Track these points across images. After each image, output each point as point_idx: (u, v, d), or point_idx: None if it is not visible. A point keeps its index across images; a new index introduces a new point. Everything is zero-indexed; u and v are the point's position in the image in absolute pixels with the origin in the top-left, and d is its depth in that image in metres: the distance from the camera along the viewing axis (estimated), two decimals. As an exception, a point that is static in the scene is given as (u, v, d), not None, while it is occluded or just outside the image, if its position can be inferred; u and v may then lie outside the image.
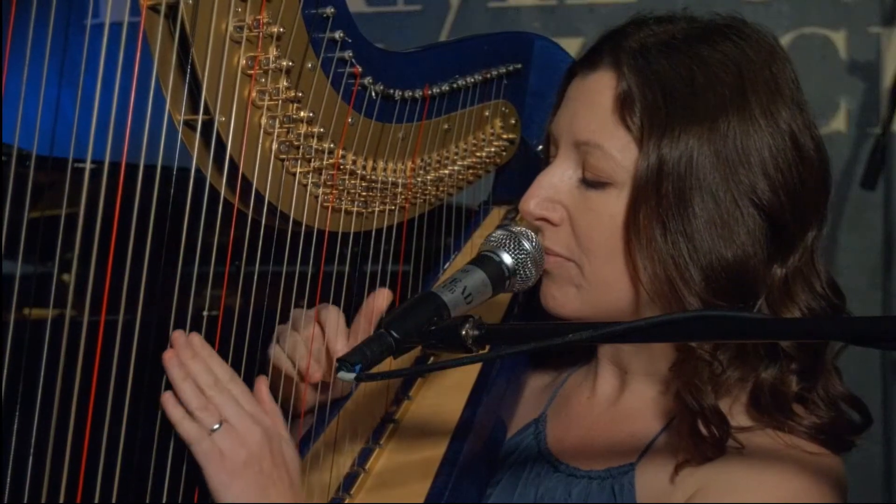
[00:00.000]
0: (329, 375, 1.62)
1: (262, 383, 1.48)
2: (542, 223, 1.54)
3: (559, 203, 1.53)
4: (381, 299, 1.62)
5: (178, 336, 1.43)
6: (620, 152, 1.47)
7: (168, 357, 1.42)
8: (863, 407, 1.52)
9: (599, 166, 1.48)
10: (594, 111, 1.50)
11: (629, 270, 1.48)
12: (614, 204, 1.48)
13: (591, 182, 1.50)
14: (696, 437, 1.44)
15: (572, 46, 3.45)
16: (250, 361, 1.61)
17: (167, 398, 1.41)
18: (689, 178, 1.43)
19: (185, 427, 1.40)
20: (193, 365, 1.42)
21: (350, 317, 1.64)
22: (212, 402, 1.41)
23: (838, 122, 3.73)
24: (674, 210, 1.43)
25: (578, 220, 1.51)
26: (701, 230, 1.43)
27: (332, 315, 1.59)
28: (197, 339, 1.43)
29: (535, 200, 1.53)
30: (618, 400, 1.59)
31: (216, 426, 1.39)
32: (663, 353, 1.52)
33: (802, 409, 1.47)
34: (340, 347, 1.57)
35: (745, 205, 1.44)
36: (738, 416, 1.47)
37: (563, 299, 1.54)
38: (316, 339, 1.59)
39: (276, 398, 1.51)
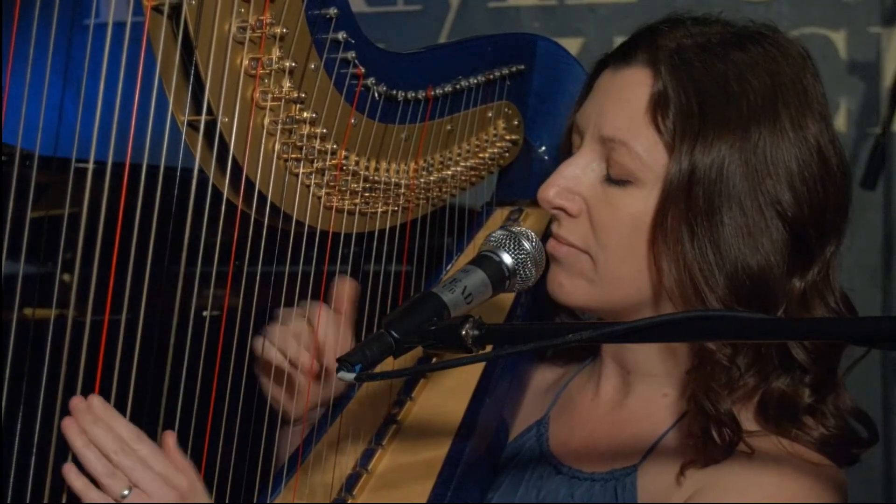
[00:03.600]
0: (322, 370, 1.62)
1: (170, 438, 1.42)
2: (558, 212, 1.54)
3: (579, 195, 1.52)
4: (346, 288, 1.62)
5: (76, 402, 1.38)
6: (647, 152, 1.47)
7: (67, 425, 1.36)
8: (870, 422, 1.52)
9: (624, 163, 1.48)
10: (625, 107, 1.49)
11: (649, 270, 1.49)
12: (636, 203, 1.48)
13: (615, 178, 1.50)
14: (706, 440, 1.44)
15: (572, 46, 3.45)
16: (252, 362, 1.61)
17: (69, 469, 1.35)
18: (718, 186, 1.43)
19: (92, 497, 1.35)
20: (95, 430, 1.37)
21: (343, 319, 1.64)
22: (119, 467, 1.36)
23: (838, 122, 3.73)
24: (703, 216, 1.43)
25: (597, 215, 1.51)
26: (728, 237, 1.43)
27: (324, 311, 1.59)
28: (97, 402, 1.38)
29: (554, 189, 1.53)
30: (622, 402, 1.59)
31: (126, 492, 1.35)
32: (679, 354, 1.52)
33: (812, 421, 1.47)
34: (331, 341, 1.58)
35: (771, 215, 1.44)
36: (745, 423, 1.46)
37: (571, 288, 1.54)
38: (305, 334, 1.59)
39: (266, 396, 1.50)
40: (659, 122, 1.46)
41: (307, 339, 1.59)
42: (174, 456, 1.41)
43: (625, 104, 1.49)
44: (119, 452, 1.37)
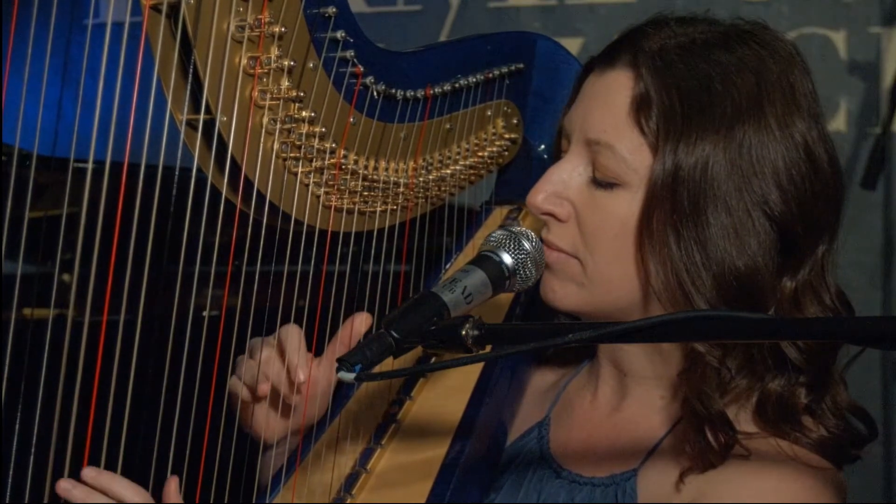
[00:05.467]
0: (290, 397, 1.60)
1: (173, 483, 1.43)
2: (547, 218, 1.54)
3: (567, 199, 1.52)
4: (359, 323, 1.61)
5: (63, 484, 1.39)
6: (632, 154, 1.46)
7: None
8: (869, 418, 1.52)
9: (610, 166, 1.48)
10: (608, 110, 1.49)
11: (638, 272, 1.48)
12: (623, 205, 1.48)
13: (601, 181, 1.49)
14: (701, 442, 1.43)
15: (572, 46, 3.45)
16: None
17: None
18: (703, 186, 1.42)
19: None
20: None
21: (343, 320, 1.63)
22: None
23: (838, 122, 3.73)
24: (688, 217, 1.43)
25: (585, 218, 1.51)
26: (714, 238, 1.42)
27: (293, 335, 1.57)
28: (92, 473, 1.40)
29: (542, 195, 1.53)
30: (620, 404, 1.59)
31: None
32: (669, 356, 1.52)
33: (811, 422, 1.46)
34: (302, 364, 1.55)
35: (758, 215, 1.43)
36: (744, 425, 1.46)
37: (563, 293, 1.54)
38: (276, 361, 1.58)
39: (238, 426, 1.51)
40: (642, 124, 1.45)
41: (277, 368, 1.58)
42: (171, 497, 1.42)
43: (608, 107, 1.49)
44: None
